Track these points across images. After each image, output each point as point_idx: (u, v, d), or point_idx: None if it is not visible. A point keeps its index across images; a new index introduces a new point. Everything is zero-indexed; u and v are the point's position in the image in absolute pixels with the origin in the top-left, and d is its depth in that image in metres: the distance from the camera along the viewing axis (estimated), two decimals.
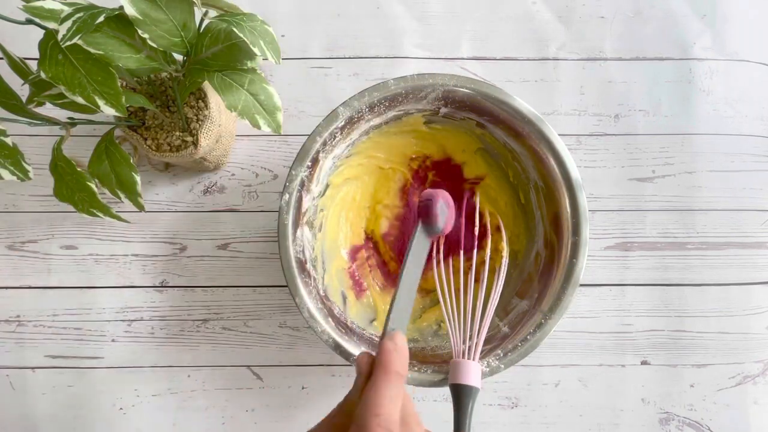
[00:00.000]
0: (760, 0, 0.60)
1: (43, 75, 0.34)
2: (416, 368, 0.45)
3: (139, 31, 0.35)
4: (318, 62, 0.59)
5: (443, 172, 0.54)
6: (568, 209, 0.46)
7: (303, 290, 0.45)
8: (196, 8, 0.38)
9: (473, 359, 0.42)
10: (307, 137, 0.45)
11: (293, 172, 0.45)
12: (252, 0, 0.58)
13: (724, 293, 0.58)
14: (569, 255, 0.46)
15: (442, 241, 0.49)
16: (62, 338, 0.55)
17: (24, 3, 0.34)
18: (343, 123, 0.45)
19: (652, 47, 0.59)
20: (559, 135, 0.46)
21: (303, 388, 0.56)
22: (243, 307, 0.56)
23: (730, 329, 0.57)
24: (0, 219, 0.56)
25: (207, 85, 0.48)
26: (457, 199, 0.53)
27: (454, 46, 0.59)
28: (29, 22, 0.34)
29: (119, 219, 0.45)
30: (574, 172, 0.46)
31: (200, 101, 0.48)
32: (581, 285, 0.46)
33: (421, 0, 0.59)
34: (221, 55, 0.39)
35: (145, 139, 0.48)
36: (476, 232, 0.49)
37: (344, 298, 0.52)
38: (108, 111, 0.36)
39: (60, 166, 0.42)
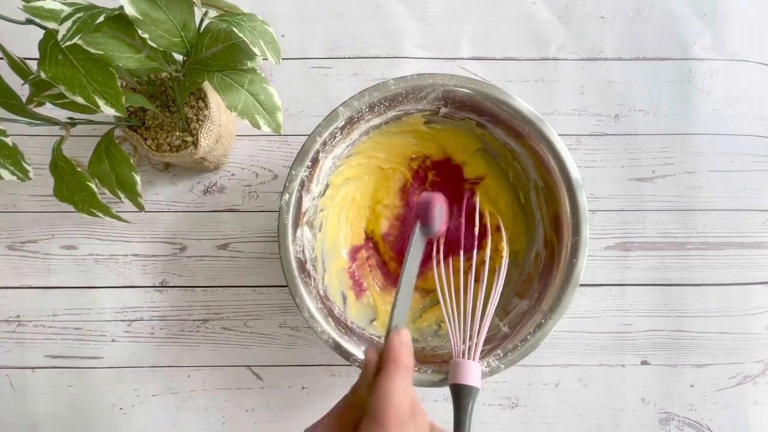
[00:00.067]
0: (760, 0, 0.60)
1: (43, 75, 0.34)
2: (416, 368, 0.45)
3: (139, 31, 0.35)
4: (318, 62, 0.59)
5: (443, 172, 0.54)
6: (568, 209, 0.46)
7: (303, 290, 0.45)
8: (196, 8, 0.38)
9: (473, 359, 0.42)
10: (307, 137, 0.45)
11: (293, 172, 0.45)
12: (252, 0, 0.58)
13: (724, 293, 0.58)
14: (569, 255, 0.46)
15: (442, 241, 0.49)
16: (62, 338, 0.55)
17: (24, 3, 0.34)
18: (343, 123, 0.45)
19: (652, 47, 0.59)
20: (559, 135, 0.46)
21: (303, 388, 0.56)
22: (243, 307, 0.56)
23: (730, 329, 0.57)
24: (0, 219, 0.56)
25: (207, 85, 0.48)
26: (457, 199, 0.53)
27: (454, 46, 0.59)
28: (29, 22, 0.34)
29: (119, 219, 0.45)
30: (574, 172, 0.46)
31: (200, 101, 0.48)
32: (581, 285, 0.46)
33: (421, 0, 0.59)
34: (221, 55, 0.39)
35: (145, 139, 0.48)
36: (476, 232, 0.49)
37: (344, 298, 0.52)
38: (108, 111, 0.36)
39: (60, 166, 0.42)
